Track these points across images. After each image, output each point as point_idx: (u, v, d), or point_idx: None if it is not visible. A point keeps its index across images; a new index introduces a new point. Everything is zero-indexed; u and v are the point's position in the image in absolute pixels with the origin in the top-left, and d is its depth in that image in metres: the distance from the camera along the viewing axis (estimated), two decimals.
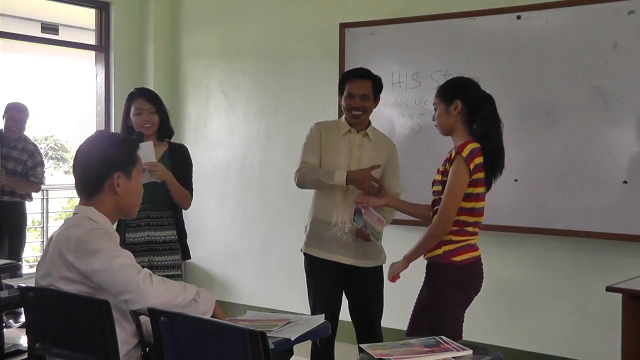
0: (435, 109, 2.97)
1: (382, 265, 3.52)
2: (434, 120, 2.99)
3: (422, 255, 3.02)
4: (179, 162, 3.53)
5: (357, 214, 3.27)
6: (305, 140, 3.51)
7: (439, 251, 2.90)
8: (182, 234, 3.56)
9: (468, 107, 2.90)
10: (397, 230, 4.18)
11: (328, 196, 3.43)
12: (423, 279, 3.07)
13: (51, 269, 2.15)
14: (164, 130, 3.56)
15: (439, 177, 2.96)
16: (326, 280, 3.47)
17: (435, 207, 2.97)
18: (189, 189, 3.54)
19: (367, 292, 3.49)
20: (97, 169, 2.22)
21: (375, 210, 3.21)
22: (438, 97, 2.96)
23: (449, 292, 2.90)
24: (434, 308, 2.91)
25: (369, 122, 3.52)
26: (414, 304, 3.05)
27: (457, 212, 2.87)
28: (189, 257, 3.63)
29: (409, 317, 3.05)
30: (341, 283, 3.50)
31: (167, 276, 3.31)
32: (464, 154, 2.82)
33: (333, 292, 3.49)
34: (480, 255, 2.96)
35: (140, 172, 2.32)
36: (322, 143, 3.46)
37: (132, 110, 3.49)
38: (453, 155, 2.86)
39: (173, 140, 3.67)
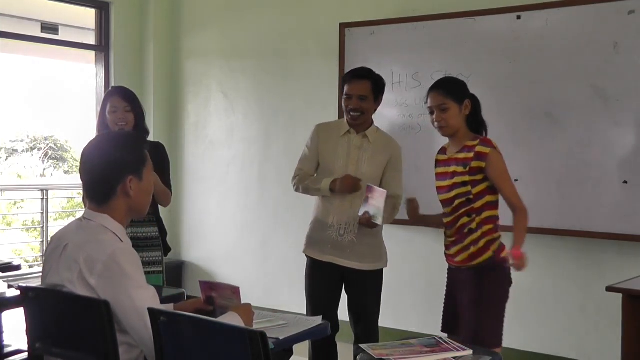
0: (444, 110, 2.91)
1: (382, 269, 3.50)
2: (440, 121, 2.93)
3: (446, 259, 3.02)
4: (157, 160, 3.46)
5: (363, 204, 3.21)
6: (304, 147, 3.56)
7: (490, 253, 2.88)
8: (162, 231, 3.65)
9: (472, 106, 2.96)
10: (397, 231, 4.17)
11: (327, 198, 3.43)
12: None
13: (65, 282, 2.07)
14: (140, 129, 3.56)
15: (466, 178, 2.87)
16: (321, 282, 3.47)
17: (462, 211, 2.90)
18: (169, 186, 3.61)
19: (364, 294, 3.46)
20: (109, 175, 2.12)
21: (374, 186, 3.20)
22: (449, 98, 2.92)
23: (506, 289, 2.91)
24: (497, 310, 2.90)
25: (372, 122, 3.48)
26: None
27: (490, 207, 2.90)
28: (170, 251, 3.76)
29: (441, 322, 3.03)
30: (339, 284, 3.50)
31: (150, 272, 3.38)
32: (496, 147, 2.87)
33: (328, 294, 3.47)
34: None
35: (150, 170, 2.23)
36: (320, 144, 3.48)
37: (108, 108, 3.52)
38: (487, 151, 2.84)
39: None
